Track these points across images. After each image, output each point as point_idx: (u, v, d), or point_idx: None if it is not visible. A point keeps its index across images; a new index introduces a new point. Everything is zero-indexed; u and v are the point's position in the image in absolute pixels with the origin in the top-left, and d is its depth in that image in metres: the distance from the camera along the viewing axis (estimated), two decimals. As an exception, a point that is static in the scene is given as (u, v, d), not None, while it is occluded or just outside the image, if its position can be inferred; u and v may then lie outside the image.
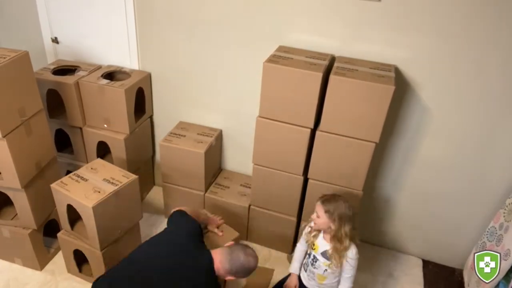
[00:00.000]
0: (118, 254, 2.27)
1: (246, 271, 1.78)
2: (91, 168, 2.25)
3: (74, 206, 2.07)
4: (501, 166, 2.23)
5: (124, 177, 2.19)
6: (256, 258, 1.80)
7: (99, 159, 2.37)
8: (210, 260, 1.75)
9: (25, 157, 2.14)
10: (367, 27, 2.10)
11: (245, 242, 2.72)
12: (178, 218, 1.96)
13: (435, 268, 2.66)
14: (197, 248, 1.82)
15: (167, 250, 1.80)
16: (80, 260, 2.35)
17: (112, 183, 2.14)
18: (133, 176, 2.21)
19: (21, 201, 2.21)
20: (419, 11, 1.98)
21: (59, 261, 2.48)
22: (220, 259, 1.75)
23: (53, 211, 2.43)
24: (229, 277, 1.78)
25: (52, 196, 2.19)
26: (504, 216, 2.19)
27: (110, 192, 2.07)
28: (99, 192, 2.07)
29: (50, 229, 2.47)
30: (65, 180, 2.15)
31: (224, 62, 2.50)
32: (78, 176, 2.19)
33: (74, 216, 2.21)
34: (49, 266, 2.48)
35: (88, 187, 2.10)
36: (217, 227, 2.24)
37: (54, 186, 2.12)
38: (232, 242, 1.90)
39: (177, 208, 2.02)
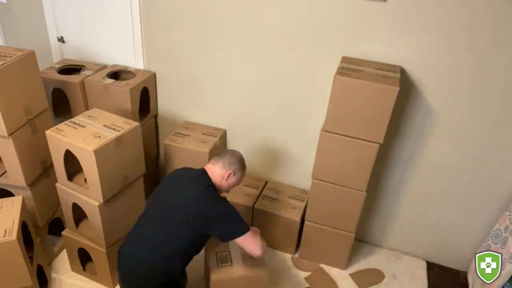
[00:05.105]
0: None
1: (239, 160, 1.96)
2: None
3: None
4: (507, 167, 2.22)
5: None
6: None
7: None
8: (202, 169, 1.91)
9: (31, 156, 2.16)
10: (372, 28, 2.09)
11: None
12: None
13: (439, 270, 2.64)
14: (193, 170, 1.97)
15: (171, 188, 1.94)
16: (84, 258, 2.36)
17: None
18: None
19: (26, 199, 2.22)
20: (425, 11, 1.97)
21: (63, 260, 2.49)
22: (212, 162, 1.93)
23: (58, 210, 2.44)
24: (230, 176, 1.90)
25: (57, 195, 2.20)
26: (509, 219, 2.17)
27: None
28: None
29: (54, 227, 2.48)
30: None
31: (228, 62, 2.50)
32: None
33: (78, 215, 2.22)
34: (53, 265, 2.49)
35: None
36: None
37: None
38: None
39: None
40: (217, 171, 1.89)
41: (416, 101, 2.20)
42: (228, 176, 1.89)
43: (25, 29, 2.96)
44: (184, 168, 2.00)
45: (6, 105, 1.95)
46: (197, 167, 2.55)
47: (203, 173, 1.89)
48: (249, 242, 1.79)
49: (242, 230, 1.78)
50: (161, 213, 1.85)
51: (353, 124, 2.04)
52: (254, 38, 2.36)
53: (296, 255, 2.66)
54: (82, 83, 2.56)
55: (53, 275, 2.43)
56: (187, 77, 2.67)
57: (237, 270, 1.99)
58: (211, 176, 1.88)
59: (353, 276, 2.55)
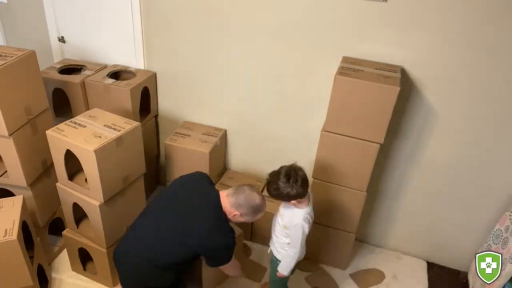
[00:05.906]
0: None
1: (251, 206, 1.80)
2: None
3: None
4: (507, 167, 2.21)
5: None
6: (260, 195, 1.85)
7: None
8: (217, 195, 1.83)
9: (31, 156, 2.16)
10: (373, 28, 2.09)
11: (248, 242, 2.73)
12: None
13: (439, 271, 2.64)
14: (206, 187, 1.91)
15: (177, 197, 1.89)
16: (84, 258, 2.36)
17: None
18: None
19: (26, 199, 2.22)
20: (425, 11, 1.97)
21: (63, 259, 2.50)
22: (227, 193, 1.83)
23: (58, 210, 2.44)
24: (236, 216, 1.81)
25: (57, 195, 2.20)
26: (510, 219, 2.17)
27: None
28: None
29: (55, 227, 2.48)
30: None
31: (229, 62, 2.50)
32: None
33: (79, 215, 2.22)
34: (53, 264, 2.49)
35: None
36: None
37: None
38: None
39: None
40: (227, 205, 1.81)
41: (416, 101, 2.20)
42: (234, 216, 1.82)
43: (25, 29, 2.96)
44: (198, 181, 1.94)
45: (7, 105, 1.95)
46: (198, 166, 2.56)
47: (217, 200, 1.82)
48: (229, 269, 1.94)
49: (228, 259, 1.85)
50: (164, 221, 1.82)
51: (353, 124, 2.04)
52: (255, 38, 2.36)
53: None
54: (83, 83, 2.56)
55: (54, 275, 2.43)
56: (187, 77, 2.67)
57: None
58: (222, 204, 1.82)
59: (354, 276, 2.55)
